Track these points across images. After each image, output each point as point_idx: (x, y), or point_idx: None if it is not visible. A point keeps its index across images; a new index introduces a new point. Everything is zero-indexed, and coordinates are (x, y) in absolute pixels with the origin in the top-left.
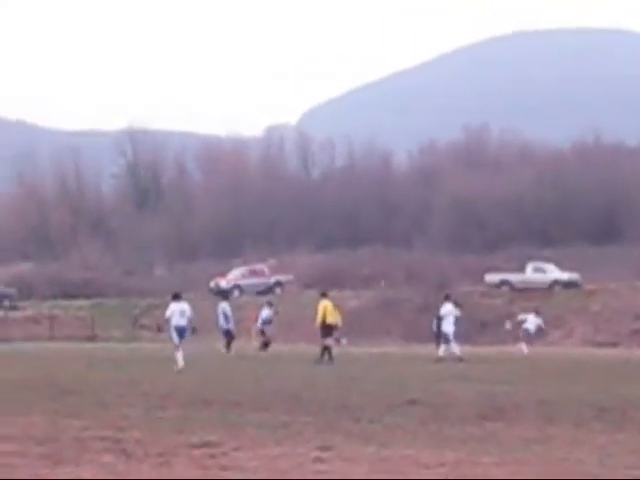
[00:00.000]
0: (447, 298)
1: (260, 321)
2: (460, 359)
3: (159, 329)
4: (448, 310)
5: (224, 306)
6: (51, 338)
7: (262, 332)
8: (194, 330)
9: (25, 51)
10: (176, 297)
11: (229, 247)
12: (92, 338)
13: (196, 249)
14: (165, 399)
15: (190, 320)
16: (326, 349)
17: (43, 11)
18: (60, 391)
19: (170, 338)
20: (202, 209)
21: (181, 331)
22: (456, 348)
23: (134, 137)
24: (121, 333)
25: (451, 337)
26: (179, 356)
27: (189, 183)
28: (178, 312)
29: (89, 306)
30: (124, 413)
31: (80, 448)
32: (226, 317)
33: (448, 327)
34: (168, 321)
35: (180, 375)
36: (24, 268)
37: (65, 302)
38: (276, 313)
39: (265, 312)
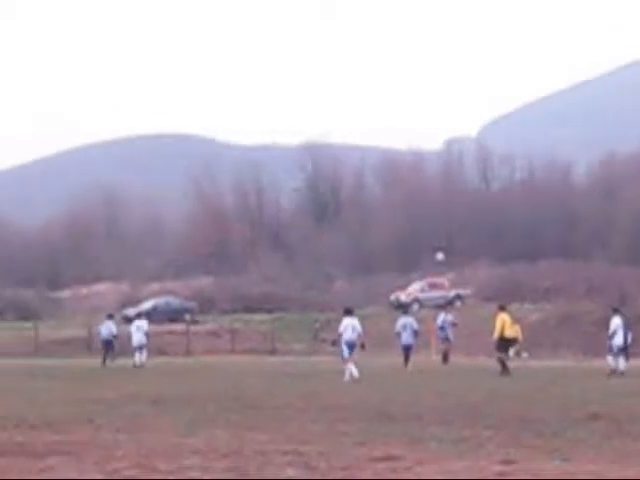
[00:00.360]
0: (615, 312)
1: (438, 328)
2: (614, 372)
3: (334, 344)
4: (616, 324)
5: (410, 320)
6: (232, 352)
7: (444, 339)
8: (362, 346)
9: (206, 67)
10: (348, 312)
11: (408, 260)
12: (273, 352)
13: (375, 263)
14: (347, 412)
15: (360, 335)
16: (502, 362)
17: (223, 30)
18: (242, 405)
19: (340, 352)
20: (381, 223)
21: (351, 345)
22: (611, 361)
23: (314, 151)
24: (302, 347)
25: (614, 350)
26: (351, 367)
27: (368, 197)
28: (350, 327)
29: (270, 320)
30: (306, 427)
31: (263, 462)
32: (414, 331)
33: (616, 340)
34: (341, 336)
35: (362, 388)
36: (205, 282)
37: (246, 316)
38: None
39: (441, 317)
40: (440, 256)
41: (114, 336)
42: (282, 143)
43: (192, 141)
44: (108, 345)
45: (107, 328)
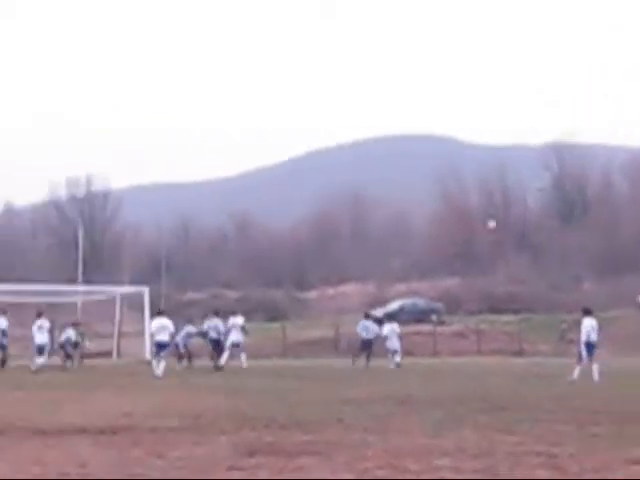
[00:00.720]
0: None
1: None
2: None
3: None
4: None
5: None
6: (478, 353)
7: None
8: None
9: (449, 68)
10: (588, 312)
11: None
12: (519, 353)
13: (624, 262)
14: (597, 415)
15: (598, 335)
16: None
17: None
18: (491, 406)
19: (578, 352)
20: (629, 221)
21: (592, 346)
22: None
23: (560, 151)
24: (548, 348)
25: None
26: (578, 369)
27: (616, 195)
28: (591, 328)
29: (516, 321)
30: (556, 429)
31: (514, 463)
32: None
33: None
34: (587, 335)
35: (611, 390)
36: (451, 283)
37: (492, 317)
38: None
39: None
40: (492, 224)
41: (377, 336)
42: (527, 143)
43: (437, 141)
44: (366, 344)
45: (365, 328)
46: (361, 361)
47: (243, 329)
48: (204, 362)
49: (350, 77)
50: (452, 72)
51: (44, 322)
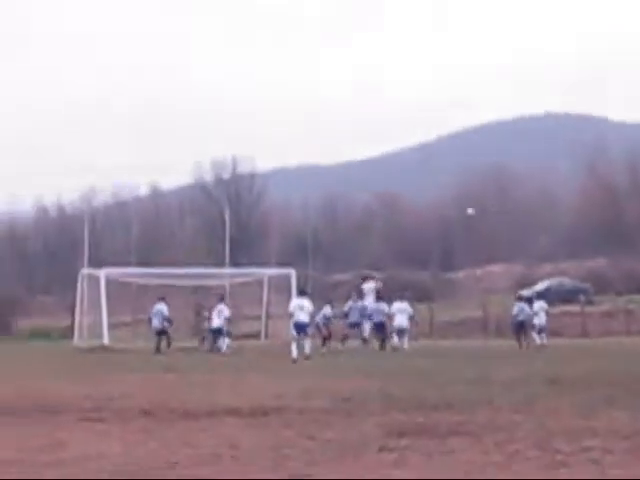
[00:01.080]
0: None
1: None
2: None
3: None
4: None
5: None
6: (627, 333)
7: None
8: None
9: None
10: None
11: None
12: None
13: None
14: None
15: None
16: None
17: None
18: None
19: None
20: None
21: None
22: None
23: None
24: None
25: None
26: None
27: None
28: None
29: None
30: None
31: None
32: None
33: None
34: None
35: None
36: (599, 263)
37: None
38: None
39: None
40: (470, 211)
41: (530, 316)
42: None
43: (583, 120)
44: (520, 326)
45: (520, 309)
46: (521, 344)
47: (412, 319)
48: (350, 344)
49: (498, 55)
50: (601, 49)
51: (223, 307)
